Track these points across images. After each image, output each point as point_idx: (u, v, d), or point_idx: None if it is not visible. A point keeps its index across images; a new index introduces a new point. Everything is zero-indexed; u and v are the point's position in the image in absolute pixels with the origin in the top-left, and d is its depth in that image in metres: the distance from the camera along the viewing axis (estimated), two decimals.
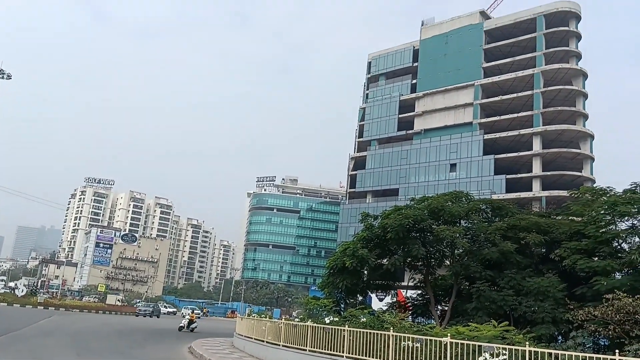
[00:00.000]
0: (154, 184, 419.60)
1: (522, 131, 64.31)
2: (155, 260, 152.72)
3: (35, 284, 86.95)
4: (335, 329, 14.09)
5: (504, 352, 10.28)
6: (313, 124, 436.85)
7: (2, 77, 74.09)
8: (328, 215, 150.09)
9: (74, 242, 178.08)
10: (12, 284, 65.05)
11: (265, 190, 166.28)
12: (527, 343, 10.46)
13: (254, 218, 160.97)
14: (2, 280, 64.76)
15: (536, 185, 62.14)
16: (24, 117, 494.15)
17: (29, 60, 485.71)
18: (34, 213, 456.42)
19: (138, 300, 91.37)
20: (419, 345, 12.02)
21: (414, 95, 79.43)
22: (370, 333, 12.95)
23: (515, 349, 10.24)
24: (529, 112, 64.44)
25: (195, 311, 43.87)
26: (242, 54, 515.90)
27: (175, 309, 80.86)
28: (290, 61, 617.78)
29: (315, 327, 14.81)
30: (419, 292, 23.11)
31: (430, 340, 11.74)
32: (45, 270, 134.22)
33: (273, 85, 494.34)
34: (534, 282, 16.83)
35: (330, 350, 13.92)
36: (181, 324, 31.74)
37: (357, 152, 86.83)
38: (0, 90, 78.40)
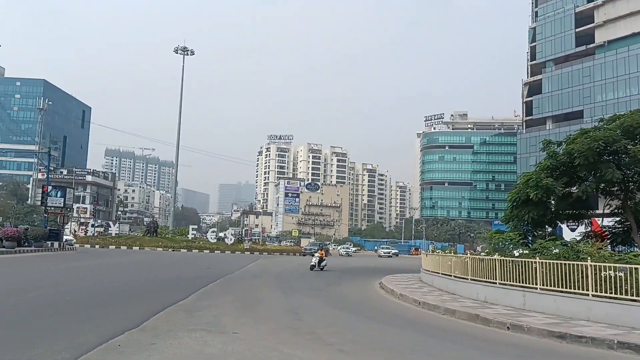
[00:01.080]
0: (328, 135, 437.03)
1: None
2: (338, 205, 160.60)
3: (240, 233, 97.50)
4: (525, 261, 13.53)
5: None
6: (474, 57, 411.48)
7: (187, 54, 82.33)
8: (504, 147, 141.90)
9: (267, 194, 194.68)
10: (221, 234, 73.65)
11: (434, 128, 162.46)
12: None
13: (426, 157, 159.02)
14: (213, 232, 73.68)
15: None
16: (206, 88, 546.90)
17: (206, 35, 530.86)
18: (231, 172, 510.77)
19: (327, 242, 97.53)
20: (622, 274, 11.05)
21: (591, 4, 69.79)
22: (564, 264, 12.20)
23: None
24: None
25: (323, 247, 41.33)
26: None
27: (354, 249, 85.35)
28: None
29: (503, 260, 14.38)
30: (617, 219, 20.92)
31: (636, 268, 10.68)
32: (246, 220, 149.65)
33: (427, 26, 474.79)
34: None
35: (521, 282, 13.48)
36: (312, 263, 30.00)
37: (531, 77, 79.80)
38: (186, 66, 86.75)
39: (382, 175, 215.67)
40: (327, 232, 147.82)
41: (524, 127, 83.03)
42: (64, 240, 43.06)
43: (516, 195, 19.78)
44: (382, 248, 75.38)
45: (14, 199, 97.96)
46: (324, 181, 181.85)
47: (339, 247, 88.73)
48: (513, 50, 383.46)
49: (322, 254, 31.04)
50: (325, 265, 30.36)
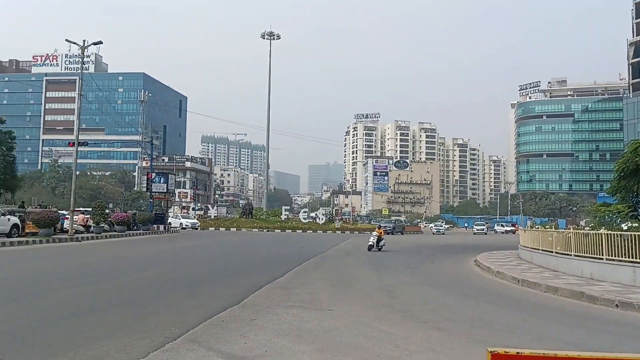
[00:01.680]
0: (416, 110, 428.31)
1: None
2: (428, 182, 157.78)
3: (330, 213, 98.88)
4: (635, 235, 12.57)
5: None
6: (570, 19, 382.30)
7: (273, 39, 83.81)
8: (609, 113, 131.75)
9: (355, 173, 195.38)
10: (312, 214, 75.18)
11: (530, 97, 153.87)
12: None
13: (521, 129, 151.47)
14: (305, 212, 75.31)
15: None
16: (293, 71, 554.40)
17: (291, 18, 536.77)
18: (320, 153, 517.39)
19: (418, 220, 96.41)
20: None
21: None
22: None
23: None
24: None
25: (383, 227, 37.06)
26: None
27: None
28: None
29: (610, 234, 13.45)
30: None
31: None
32: (336, 200, 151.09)
33: None
34: None
35: (631, 257, 12.55)
36: (370, 242, 26.45)
37: (637, 36, 73.07)
38: (273, 50, 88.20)
39: (473, 149, 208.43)
40: (418, 209, 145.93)
41: (631, 91, 76.56)
42: (179, 224, 47.18)
43: (624, 165, 18.32)
44: (476, 225, 73.20)
45: (122, 186, 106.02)
46: (413, 158, 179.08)
47: (431, 225, 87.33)
48: (612, 9, 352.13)
49: (381, 233, 27.57)
50: (384, 245, 26.82)
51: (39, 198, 68.21)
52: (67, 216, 31.02)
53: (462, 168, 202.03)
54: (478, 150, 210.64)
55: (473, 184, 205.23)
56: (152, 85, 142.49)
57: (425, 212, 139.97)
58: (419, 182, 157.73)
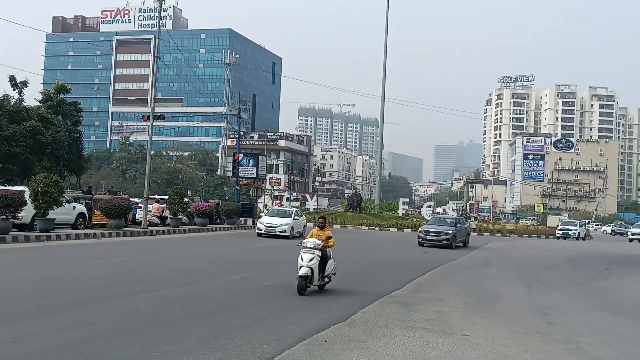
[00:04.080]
0: (586, 73, 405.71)
1: None
2: (601, 169, 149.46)
3: (463, 208, 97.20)
4: None
5: None
6: None
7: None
8: None
9: (497, 156, 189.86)
10: (439, 210, 74.28)
11: None
12: None
13: None
14: (429, 206, 74.28)
15: None
16: (415, 31, 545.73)
17: None
18: (450, 129, 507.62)
19: (587, 221, 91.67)
20: None
21: None
22: None
23: None
24: None
25: None
26: None
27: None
28: None
29: None
30: None
31: None
32: (471, 191, 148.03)
33: None
34: None
35: None
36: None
37: None
38: (394, 8, 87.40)
39: None
40: (586, 206, 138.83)
41: None
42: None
43: None
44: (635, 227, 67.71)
45: (203, 169, 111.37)
46: (581, 136, 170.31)
47: (603, 228, 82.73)
48: None
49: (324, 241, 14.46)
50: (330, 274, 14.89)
51: (107, 182, 74.04)
52: (139, 205, 33.03)
53: None
54: None
55: None
56: (240, 44, 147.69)
57: (596, 209, 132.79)
58: (589, 169, 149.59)
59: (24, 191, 23.56)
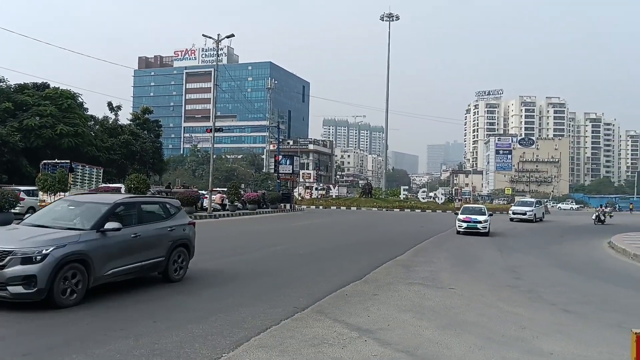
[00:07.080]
0: (542, 85, 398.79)
1: None
2: (556, 160, 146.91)
3: (450, 192, 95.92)
4: None
5: None
6: None
7: (392, 20, 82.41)
8: None
9: (476, 152, 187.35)
10: (431, 194, 73.39)
11: None
12: None
13: None
14: (423, 192, 73.94)
15: None
16: (412, 51, 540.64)
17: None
18: (439, 132, 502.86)
19: (545, 200, 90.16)
20: None
21: None
22: None
23: None
24: None
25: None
26: None
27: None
28: None
29: None
30: None
31: None
32: (455, 179, 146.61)
33: None
34: None
35: None
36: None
37: None
38: (392, 31, 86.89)
39: (608, 124, 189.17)
40: (544, 189, 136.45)
41: None
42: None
43: None
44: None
45: (252, 168, 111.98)
46: (539, 135, 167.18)
47: (558, 205, 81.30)
48: None
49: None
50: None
51: (181, 179, 74.81)
52: (206, 195, 33.47)
53: (595, 144, 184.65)
54: (613, 125, 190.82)
55: (607, 161, 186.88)
56: (277, 72, 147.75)
57: (552, 191, 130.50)
58: (546, 160, 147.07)
59: (121, 187, 23.92)
